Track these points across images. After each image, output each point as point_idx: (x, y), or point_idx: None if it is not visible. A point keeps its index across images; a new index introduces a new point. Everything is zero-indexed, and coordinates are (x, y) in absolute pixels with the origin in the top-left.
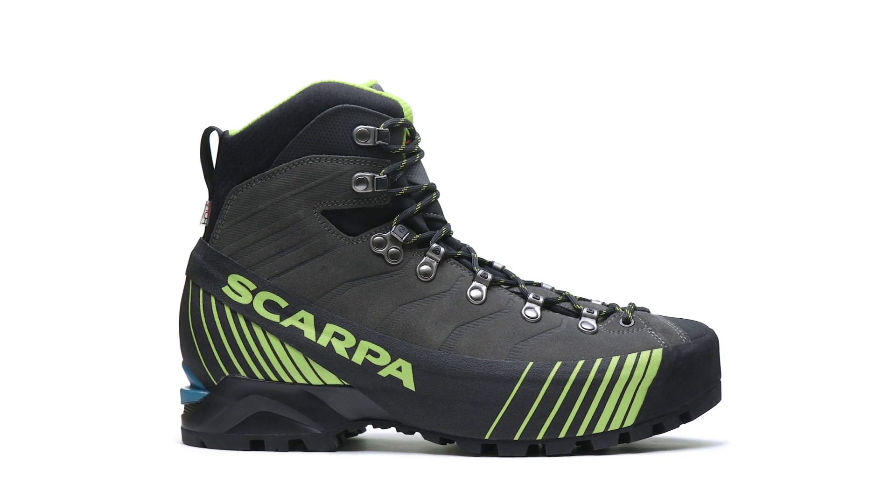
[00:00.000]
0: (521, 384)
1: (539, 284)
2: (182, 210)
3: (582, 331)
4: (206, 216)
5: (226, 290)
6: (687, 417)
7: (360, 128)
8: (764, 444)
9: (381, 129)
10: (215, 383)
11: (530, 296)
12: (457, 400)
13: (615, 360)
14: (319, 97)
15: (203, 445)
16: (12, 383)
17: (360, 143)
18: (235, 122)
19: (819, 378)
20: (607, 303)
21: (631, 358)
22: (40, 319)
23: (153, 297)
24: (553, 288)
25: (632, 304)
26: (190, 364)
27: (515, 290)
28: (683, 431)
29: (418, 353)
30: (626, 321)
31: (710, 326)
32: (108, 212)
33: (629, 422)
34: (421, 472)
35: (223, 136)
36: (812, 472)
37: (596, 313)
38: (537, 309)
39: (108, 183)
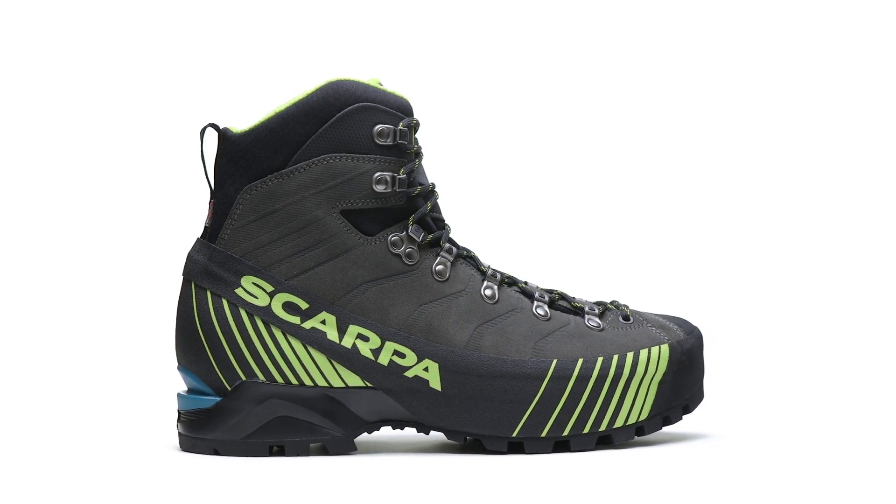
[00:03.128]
0: (548, 382)
1: (526, 283)
2: (168, 211)
3: (590, 328)
4: (209, 216)
5: (239, 291)
6: (687, 409)
7: (380, 127)
8: (749, 430)
9: (400, 128)
10: (229, 388)
11: (536, 294)
12: (484, 399)
13: (630, 356)
14: (339, 95)
15: (216, 453)
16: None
17: (380, 142)
18: (227, 120)
19: (780, 365)
20: (591, 300)
21: (643, 354)
22: (29, 323)
23: (132, 300)
24: (538, 286)
25: (615, 301)
26: (197, 369)
27: (515, 288)
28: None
29: (445, 353)
30: (626, 318)
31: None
32: (94, 214)
33: (643, 416)
34: (449, 471)
35: (226, 134)
36: (801, 456)
37: (597, 311)
38: (546, 307)
39: (92, 185)
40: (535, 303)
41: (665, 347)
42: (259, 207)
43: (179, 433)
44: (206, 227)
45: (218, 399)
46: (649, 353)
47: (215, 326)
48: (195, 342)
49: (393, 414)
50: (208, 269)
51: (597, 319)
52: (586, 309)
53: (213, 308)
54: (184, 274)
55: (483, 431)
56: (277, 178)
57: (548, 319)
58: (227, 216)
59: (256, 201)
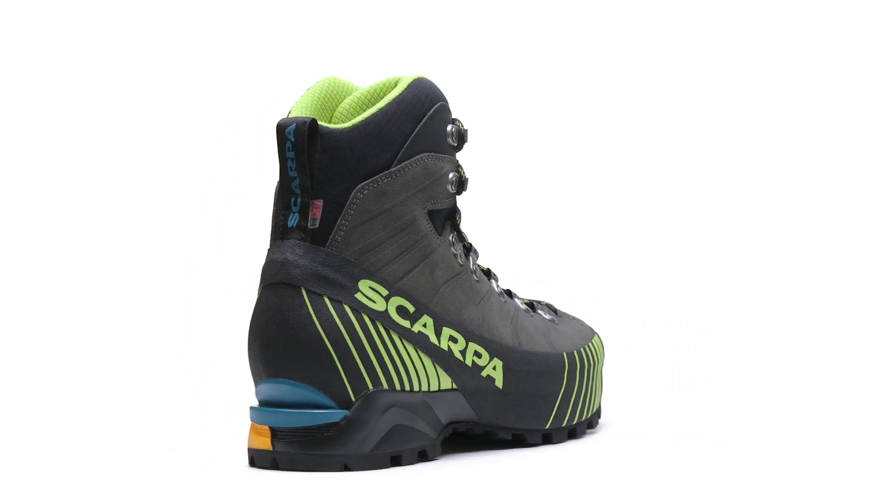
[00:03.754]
0: (567, 374)
1: None
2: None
3: (552, 322)
4: (314, 217)
5: (359, 296)
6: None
7: (450, 126)
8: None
9: (462, 128)
10: (353, 399)
11: (514, 291)
12: (529, 394)
13: (591, 346)
14: (426, 93)
15: (346, 469)
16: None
17: (451, 141)
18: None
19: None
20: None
21: (595, 344)
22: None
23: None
24: None
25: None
26: (318, 381)
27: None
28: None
29: (506, 352)
30: (555, 312)
31: None
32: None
33: (601, 399)
34: (534, 467)
35: (325, 130)
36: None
37: (543, 305)
38: (524, 304)
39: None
40: (516, 299)
41: (598, 338)
42: (371, 207)
43: (286, 453)
44: (294, 227)
45: (345, 412)
46: (595, 343)
47: (343, 334)
48: (318, 352)
49: (461, 415)
50: (321, 274)
51: (549, 314)
52: (534, 303)
53: (337, 315)
54: (285, 280)
55: (528, 426)
56: (388, 177)
57: (532, 316)
58: (338, 217)
59: (369, 201)
